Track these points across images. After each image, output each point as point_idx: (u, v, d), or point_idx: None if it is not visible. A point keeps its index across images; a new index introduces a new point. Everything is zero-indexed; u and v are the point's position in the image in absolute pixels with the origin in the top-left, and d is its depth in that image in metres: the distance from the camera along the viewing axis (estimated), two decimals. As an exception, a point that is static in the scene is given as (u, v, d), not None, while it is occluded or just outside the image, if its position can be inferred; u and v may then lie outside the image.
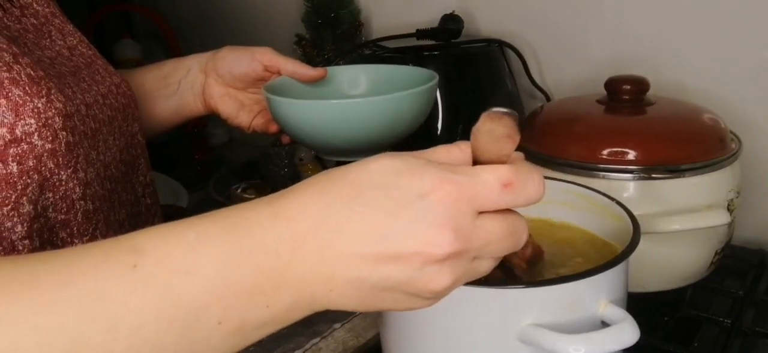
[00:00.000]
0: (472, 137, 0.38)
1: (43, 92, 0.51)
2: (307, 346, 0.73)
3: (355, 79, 0.81)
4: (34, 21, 0.60)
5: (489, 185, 0.36)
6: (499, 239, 0.37)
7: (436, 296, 0.38)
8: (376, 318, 0.58)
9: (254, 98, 0.79)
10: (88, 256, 0.35)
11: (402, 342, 0.53)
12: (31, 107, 0.50)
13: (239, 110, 0.78)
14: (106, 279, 0.33)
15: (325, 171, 0.38)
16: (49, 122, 0.51)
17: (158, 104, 0.76)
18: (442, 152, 0.40)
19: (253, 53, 0.76)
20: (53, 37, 0.61)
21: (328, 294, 0.37)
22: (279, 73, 0.76)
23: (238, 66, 0.76)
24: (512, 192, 0.36)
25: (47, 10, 0.62)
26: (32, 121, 0.50)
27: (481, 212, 0.37)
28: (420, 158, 0.37)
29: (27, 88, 0.50)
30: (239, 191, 1.15)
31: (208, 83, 0.77)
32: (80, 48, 0.62)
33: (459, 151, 0.40)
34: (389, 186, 0.36)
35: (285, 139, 0.78)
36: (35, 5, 0.61)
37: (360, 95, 0.80)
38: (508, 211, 0.38)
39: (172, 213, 1.00)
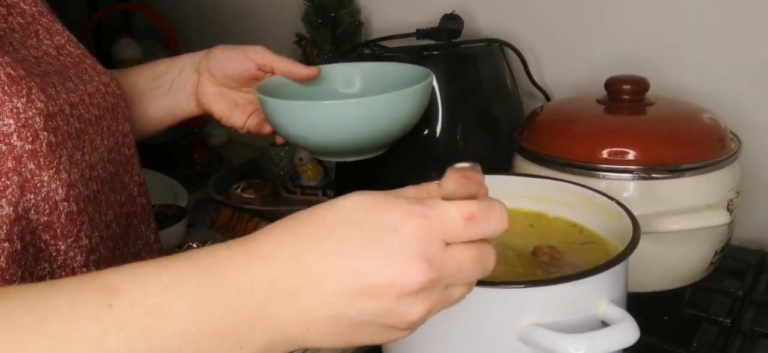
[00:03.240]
0: (440, 189, 0.41)
1: (24, 92, 0.50)
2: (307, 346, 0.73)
3: (349, 77, 0.80)
4: (21, 20, 0.59)
5: (454, 220, 0.37)
6: (469, 265, 0.38)
7: (412, 326, 0.39)
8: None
9: (248, 98, 0.78)
10: (63, 293, 0.35)
11: (402, 342, 0.53)
12: (9, 106, 0.49)
13: (233, 109, 0.77)
14: (80, 318, 0.33)
15: (295, 213, 0.38)
16: (29, 122, 0.50)
17: (151, 103, 0.76)
18: (412, 190, 0.41)
19: (246, 52, 0.75)
20: (40, 37, 0.60)
21: (304, 333, 0.37)
22: (272, 72, 0.76)
23: (231, 65, 0.75)
24: (476, 225, 0.38)
25: (34, 9, 0.61)
26: (11, 121, 0.49)
27: (449, 243, 0.38)
28: (389, 194, 0.38)
29: (6, 87, 0.49)
30: (239, 190, 1.15)
31: (201, 83, 0.76)
32: (68, 47, 0.62)
33: (427, 193, 0.41)
34: (360, 221, 0.37)
35: (279, 139, 0.77)
36: (22, 4, 0.60)
37: (354, 94, 0.79)
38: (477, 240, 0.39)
39: (172, 213, 1.00)
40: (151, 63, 0.79)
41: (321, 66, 0.78)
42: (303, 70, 0.75)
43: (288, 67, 0.75)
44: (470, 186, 0.40)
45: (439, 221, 0.37)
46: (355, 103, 0.67)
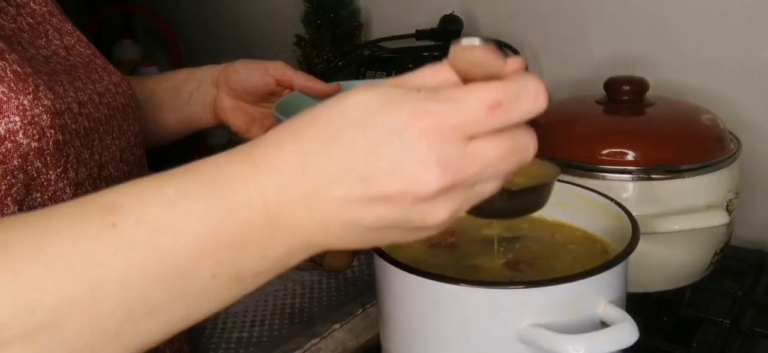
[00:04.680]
0: (449, 64, 0.35)
1: (30, 89, 0.49)
2: (307, 346, 0.73)
3: None
4: (31, 20, 0.59)
5: (473, 110, 0.33)
6: (498, 160, 0.34)
7: (438, 227, 0.36)
8: (376, 319, 0.58)
9: (265, 112, 0.77)
10: (62, 216, 0.33)
11: (402, 342, 0.53)
12: (16, 104, 0.48)
13: (250, 123, 0.77)
14: (83, 240, 0.32)
15: (299, 115, 0.36)
16: (36, 119, 0.49)
17: (169, 114, 0.76)
18: (428, 75, 0.36)
19: (265, 67, 0.75)
20: (50, 37, 0.60)
21: (325, 238, 0.35)
22: (291, 88, 0.75)
23: (250, 80, 0.75)
24: (503, 112, 0.33)
25: (45, 9, 0.61)
26: (17, 118, 0.48)
27: (473, 137, 0.34)
28: (398, 89, 0.34)
29: (12, 84, 0.48)
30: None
31: (219, 97, 0.77)
32: (78, 47, 0.62)
33: (446, 73, 0.36)
34: (365, 125, 0.33)
35: None
36: (32, 4, 0.60)
37: None
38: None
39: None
40: (169, 73, 0.79)
41: (340, 82, 0.77)
42: (322, 86, 0.74)
43: (307, 82, 0.74)
44: (490, 64, 0.33)
45: (456, 117, 0.33)
46: None
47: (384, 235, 0.36)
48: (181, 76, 0.78)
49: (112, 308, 0.32)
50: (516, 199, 0.46)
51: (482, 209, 0.39)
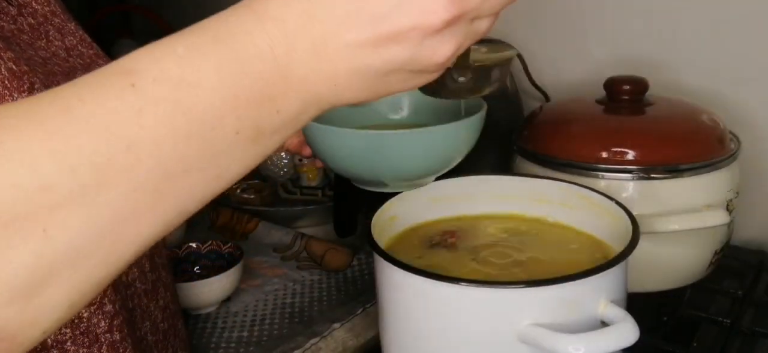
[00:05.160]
0: None
1: (25, 87, 0.48)
2: (307, 346, 0.73)
3: (396, 101, 0.72)
4: (32, 20, 0.58)
5: None
6: None
7: (440, 67, 0.37)
8: (376, 319, 0.58)
9: None
10: (81, 85, 0.33)
11: (402, 342, 0.53)
12: (9, 101, 0.47)
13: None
14: (108, 101, 0.32)
15: None
16: None
17: None
18: None
19: None
20: (51, 37, 0.59)
21: (334, 90, 0.36)
22: None
23: None
24: None
25: (47, 9, 0.61)
26: None
27: None
28: None
29: (6, 82, 0.48)
30: (238, 191, 1.16)
31: None
32: (80, 48, 0.61)
33: None
34: None
35: (318, 163, 0.70)
36: (34, 4, 0.60)
37: (403, 120, 0.71)
38: None
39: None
40: None
41: None
42: None
43: None
44: None
45: None
46: (412, 133, 0.59)
47: (392, 81, 0.37)
48: None
49: (150, 166, 0.32)
50: (478, 74, 0.49)
51: (446, 86, 0.44)
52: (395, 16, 0.34)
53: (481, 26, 0.37)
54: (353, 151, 0.60)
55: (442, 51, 0.35)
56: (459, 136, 0.60)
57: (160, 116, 0.32)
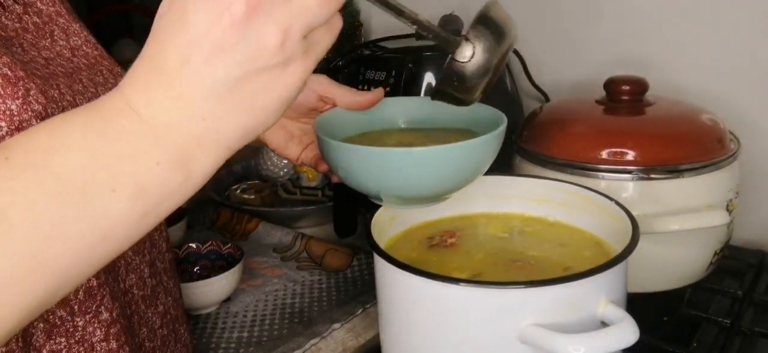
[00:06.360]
0: None
1: (20, 94, 0.48)
2: (307, 346, 0.73)
3: (410, 113, 0.70)
4: (37, 20, 0.58)
5: None
6: None
7: (285, 54, 0.37)
8: (376, 319, 0.58)
9: (304, 129, 0.71)
10: None
11: (401, 342, 0.53)
12: (3, 109, 0.47)
13: (288, 141, 0.70)
14: None
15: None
16: (24, 125, 0.47)
17: None
18: None
19: (308, 83, 0.66)
20: (55, 37, 0.59)
21: (206, 125, 0.38)
22: (334, 105, 0.68)
23: None
24: None
25: (52, 9, 0.60)
26: (3, 124, 0.47)
27: None
28: None
29: (0, 89, 0.47)
30: (238, 191, 1.16)
31: None
32: (84, 48, 0.61)
33: None
34: (174, 6, 0.39)
35: (334, 178, 0.68)
36: (39, 4, 0.59)
37: (417, 131, 0.69)
38: None
39: (171, 215, 1.00)
40: None
41: (381, 89, 0.68)
42: (367, 97, 0.67)
43: (353, 98, 0.67)
44: None
45: None
46: (431, 152, 0.56)
47: (252, 90, 0.38)
48: None
49: (25, 230, 0.34)
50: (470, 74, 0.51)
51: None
52: (201, 28, 0.36)
53: (307, 2, 0.37)
54: (374, 169, 0.58)
55: (268, 33, 0.36)
56: (486, 150, 0.58)
57: (30, 181, 0.34)
